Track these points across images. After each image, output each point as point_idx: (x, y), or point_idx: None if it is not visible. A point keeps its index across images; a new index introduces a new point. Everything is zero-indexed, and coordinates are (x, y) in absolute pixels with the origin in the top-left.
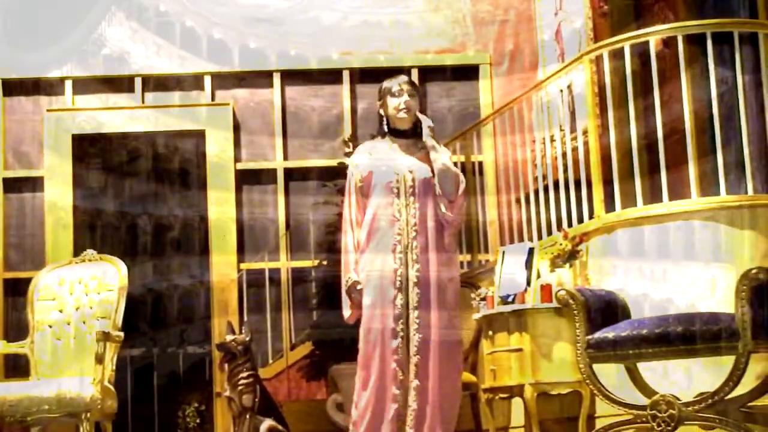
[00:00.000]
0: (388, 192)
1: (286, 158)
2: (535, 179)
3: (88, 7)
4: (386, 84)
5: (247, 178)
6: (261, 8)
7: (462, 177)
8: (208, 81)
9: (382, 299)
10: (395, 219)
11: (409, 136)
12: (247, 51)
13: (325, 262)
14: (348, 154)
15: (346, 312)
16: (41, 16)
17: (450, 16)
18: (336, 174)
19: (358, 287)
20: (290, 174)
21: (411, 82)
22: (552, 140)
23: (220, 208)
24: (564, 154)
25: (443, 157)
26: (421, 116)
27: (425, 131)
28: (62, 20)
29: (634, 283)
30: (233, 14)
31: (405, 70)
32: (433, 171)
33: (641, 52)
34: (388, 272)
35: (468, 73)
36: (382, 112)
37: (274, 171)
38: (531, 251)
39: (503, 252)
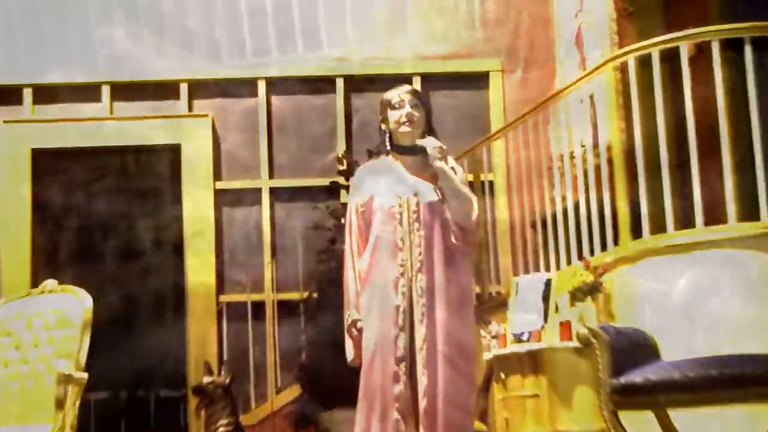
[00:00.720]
0: (390, 218)
1: (272, 176)
2: (553, 201)
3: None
4: (386, 95)
5: (228, 199)
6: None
7: (475, 201)
8: (184, 89)
9: (383, 338)
10: (398, 249)
11: (415, 152)
12: (228, 55)
13: (315, 294)
14: (342, 172)
15: (349, 354)
16: None
17: (456, 17)
18: (328, 194)
19: (358, 325)
20: (277, 194)
21: (414, 92)
22: (572, 157)
23: (198, 232)
24: (585, 173)
25: (454, 177)
26: (427, 139)
27: (431, 153)
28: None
29: (666, 320)
30: (214, 15)
31: (405, 78)
32: (442, 193)
33: (671, 58)
34: (390, 309)
35: (476, 81)
36: (383, 127)
37: (258, 191)
38: (548, 283)
39: (517, 283)
